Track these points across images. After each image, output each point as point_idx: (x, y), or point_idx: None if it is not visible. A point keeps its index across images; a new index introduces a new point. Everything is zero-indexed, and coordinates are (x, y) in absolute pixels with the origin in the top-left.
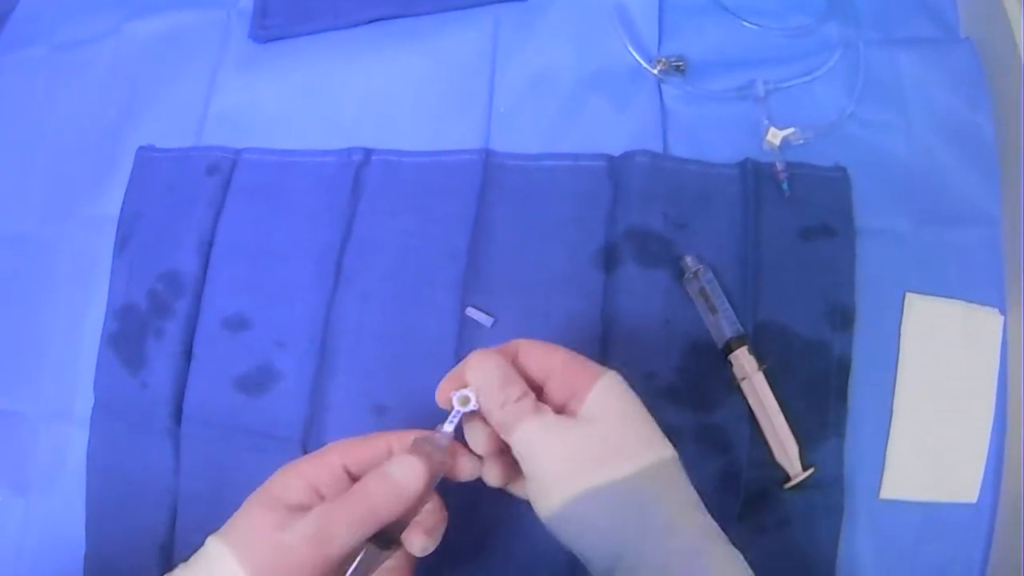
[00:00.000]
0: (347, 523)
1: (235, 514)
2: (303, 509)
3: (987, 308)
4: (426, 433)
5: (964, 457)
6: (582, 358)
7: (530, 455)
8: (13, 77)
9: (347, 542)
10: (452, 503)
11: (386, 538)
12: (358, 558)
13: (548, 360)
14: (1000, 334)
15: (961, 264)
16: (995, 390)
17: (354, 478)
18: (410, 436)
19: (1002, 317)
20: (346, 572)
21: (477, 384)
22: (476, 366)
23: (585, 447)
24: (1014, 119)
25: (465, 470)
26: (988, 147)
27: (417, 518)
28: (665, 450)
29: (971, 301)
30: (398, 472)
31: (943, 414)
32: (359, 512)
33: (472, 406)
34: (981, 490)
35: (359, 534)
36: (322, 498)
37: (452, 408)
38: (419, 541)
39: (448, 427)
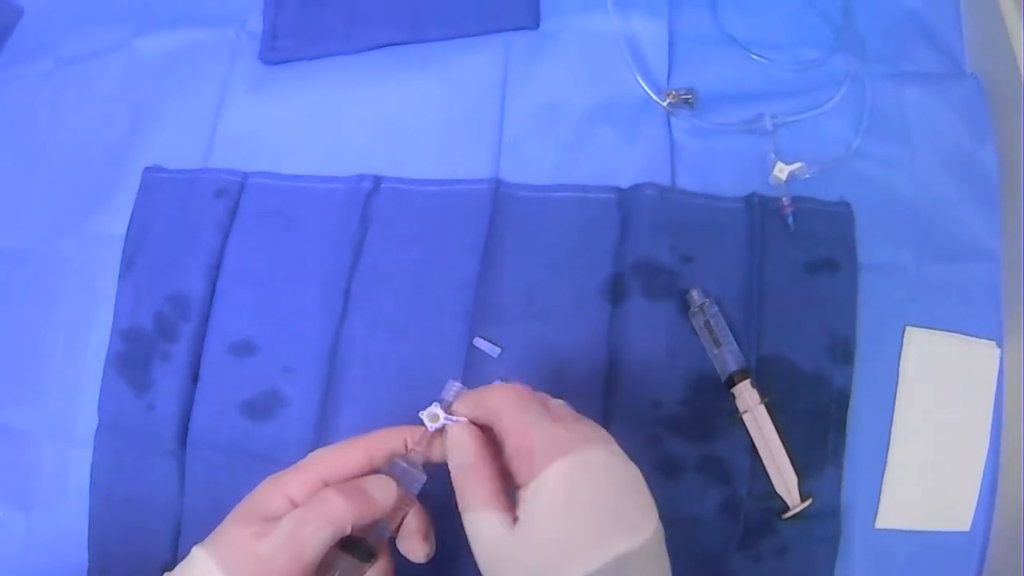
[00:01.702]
0: (318, 523)
1: (219, 526)
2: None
3: (984, 341)
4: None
5: (958, 486)
6: (539, 440)
7: (474, 544)
8: (17, 91)
9: (320, 542)
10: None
11: (366, 551)
12: (337, 570)
13: (506, 439)
14: (996, 366)
15: (961, 298)
16: (990, 420)
17: None
18: (385, 439)
19: (999, 349)
20: None
21: (456, 461)
22: (456, 442)
23: (525, 554)
24: (1018, 154)
25: (441, 453)
26: (991, 182)
27: (414, 526)
28: (623, 543)
29: (969, 334)
30: (370, 487)
31: (939, 445)
32: (329, 512)
33: (443, 421)
34: (974, 518)
35: (330, 534)
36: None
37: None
38: (420, 548)
39: (419, 450)
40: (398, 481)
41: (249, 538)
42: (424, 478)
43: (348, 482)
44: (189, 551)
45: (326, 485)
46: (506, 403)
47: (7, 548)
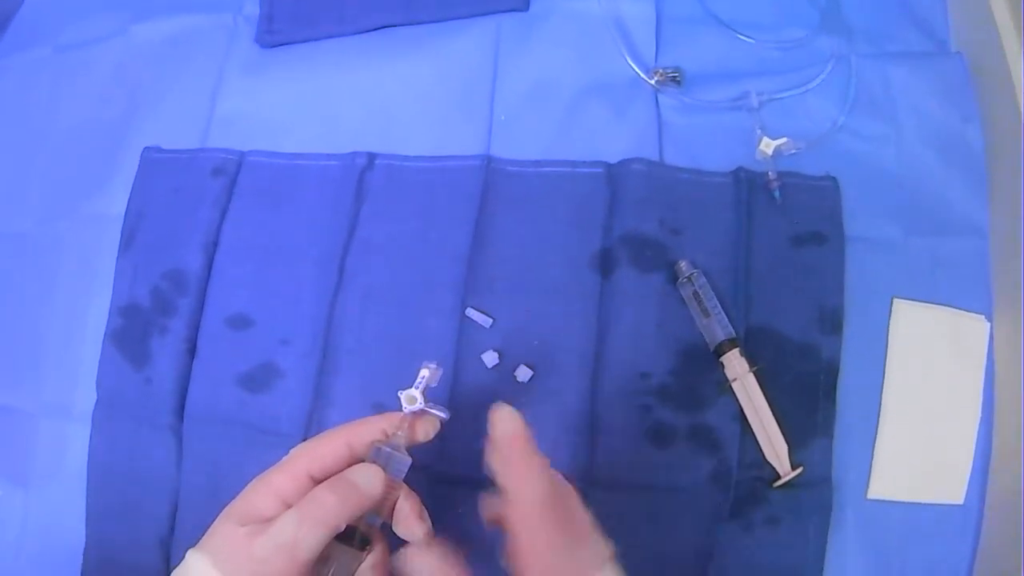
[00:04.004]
0: (312, 524)
1: (210, 528)
2: (272, 520)
3: (974, 314)
4: (387, 428)
5: (951, 459)
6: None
7: None
8: (17, 77)
9: (315, 543)
10: None
11: (362, 539)
12: (335, 562)
13: (525, 558)
14: (986, 340)
15: (948, 272)
16: (981, 394)
17: (319, 484)
18: (364, 428)
19: (988, 324)
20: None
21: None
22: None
23: None
24: (1003, 131)
25: (423, 433)
26: (976, 158)
27: (407, 509)
28: None
29: (955, 307)
30: (358, 477)
31: (930, 417)
32: (322, 513)
33: (419, 405)
34: (967, 492)
35: (324, 534)
36: (289, 507)
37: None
38: (418, 527)
39: (401, 433)
40: (384, 467)
41: (243, 538)
42: (409, 461)
43: (336, 477)
44: (183, 556)
45: (312, 478)
46: (528, 512)
47: (6, 525)
